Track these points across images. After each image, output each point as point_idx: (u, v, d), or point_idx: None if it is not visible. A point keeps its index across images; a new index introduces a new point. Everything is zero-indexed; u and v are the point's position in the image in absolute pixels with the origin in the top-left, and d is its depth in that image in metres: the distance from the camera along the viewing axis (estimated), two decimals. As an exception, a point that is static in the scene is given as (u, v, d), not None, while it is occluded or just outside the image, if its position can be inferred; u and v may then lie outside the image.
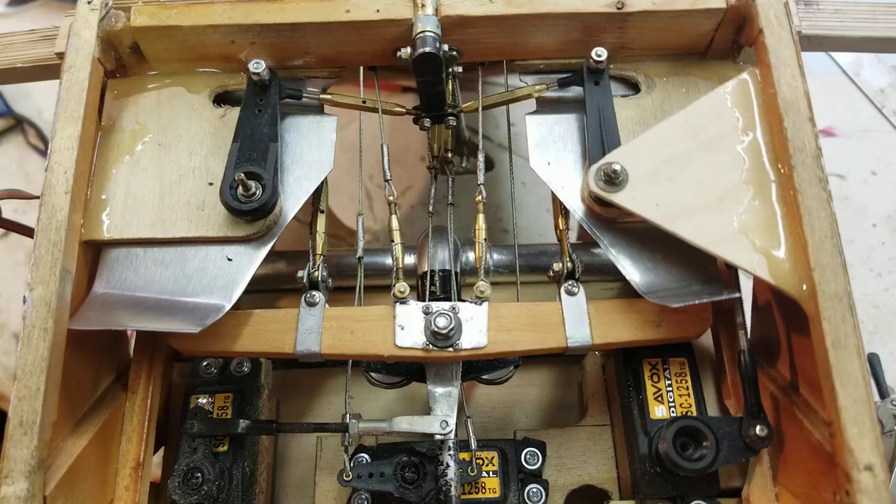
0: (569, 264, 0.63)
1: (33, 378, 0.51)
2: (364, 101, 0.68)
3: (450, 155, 0.75)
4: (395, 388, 0.68)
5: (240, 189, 0.58)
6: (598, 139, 0.61)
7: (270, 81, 0.63)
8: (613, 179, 0.57)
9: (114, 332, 0.66)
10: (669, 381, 0.65)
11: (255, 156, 0.61)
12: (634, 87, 0.66)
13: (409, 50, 0.60)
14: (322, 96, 0.66)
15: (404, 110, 0.69)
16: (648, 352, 0.66)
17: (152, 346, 0.66)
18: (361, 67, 0.68)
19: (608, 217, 0.60)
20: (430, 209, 0.73)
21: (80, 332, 0.56)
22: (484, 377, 0.67)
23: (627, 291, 0.83)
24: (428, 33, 0.59)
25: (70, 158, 0.57)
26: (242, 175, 0.57)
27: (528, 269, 0.90)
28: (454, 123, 0.69)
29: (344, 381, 0.82)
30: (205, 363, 0.69)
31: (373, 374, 0.66)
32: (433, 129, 0.75)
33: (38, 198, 0.74)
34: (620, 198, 0.57)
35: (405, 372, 0.66)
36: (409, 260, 0.90)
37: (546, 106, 0.66)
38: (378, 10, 0.61)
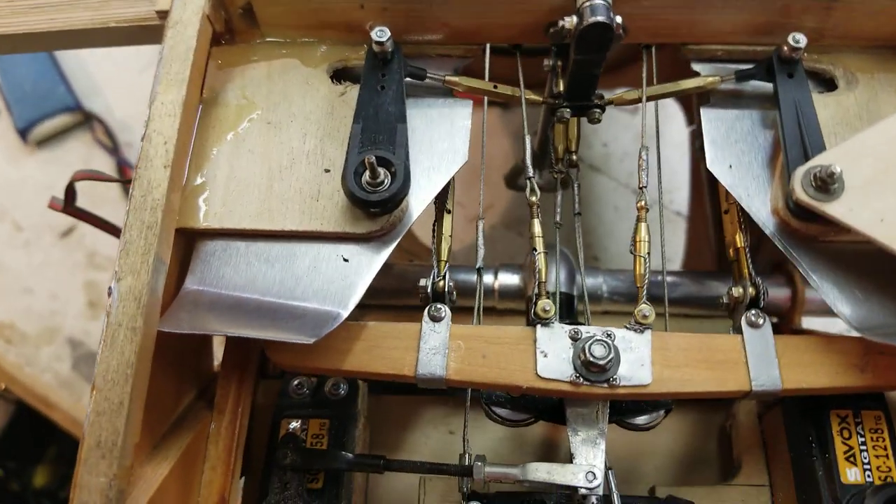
0: (751, 289, 0.51)
1: (116, 389, 0.42)
2: (496, 87, 0.58)
3: (574, 157, 0.65)
4: (518, 427, 0.57)
5: (366, 175, 0.48)
6: (798, 139, 0.50)
7: (393, 55, 0.54)
8: (828, 185, 0.46)
9: (199, 338, 0.57)
10: (863, 439, 0.53)
11: (381, 138, 0.51)
12: (828, 84, 0.56)
13: (573, 19, 0.50)
14: (449, 78, 0.57)
15: (541, 99, 0.60)
16: (836, 401, 0.54)
17: (244, 358, 0.57)
18: (488, 45, 0.59)
19: (809, 234, 0.49)
20: (558, 219, 0.63)
21: (166, 337, 0.47)
22: (628, 421, 0.56)
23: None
24: (598, 1, 0.49)
25: (172, 127, 0.48)
26: (373, 158, 0.47)
27: (633, 297, 0.81)
28: (599, 119, 0.59)
29: (444, 412, 0.71)
30: (296, 382, 0.59)
31: (495, 409, 0.56)
32: (560, 127, 0.65)
33: (120, 181, 0.66)
34: (835, 209, 0.46)
35: (536, 409, 0.55)
36: (513, 279, 0.81)
37: (723, 99, 0.56)
38: (538, -26, 0.51)
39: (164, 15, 0.54)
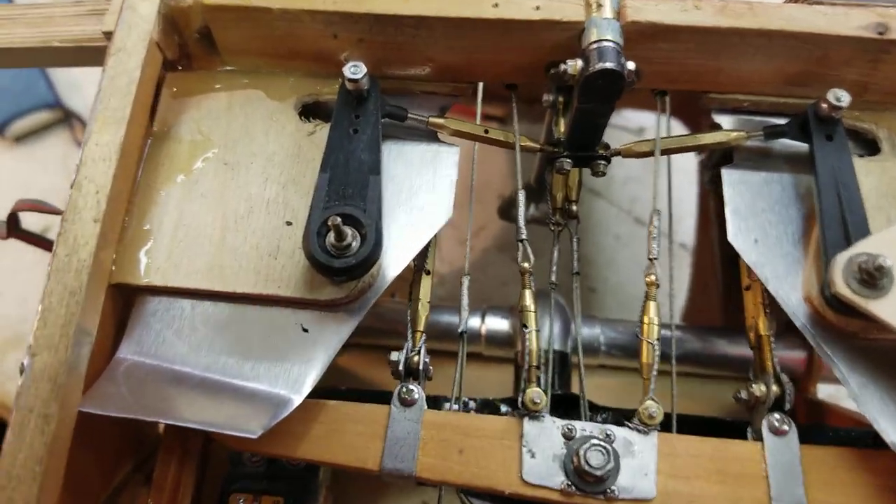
0: (775, 388, 0.44)
1: (22, 488, 0.36)
2: (487, 132, 0.51)
3: (574, 208, 0.58)
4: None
5: (331, 237, 0.41)
6: (837, 216, 0.43)
7: (369, 93, 0.47)
8: (875, 280, 0.39)
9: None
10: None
11: (350, 192, 0.44)
12: (869, 146, 0.49)
13: (577, 63, 0.43)
14: (433, 120, 0.49)
15: (539, 146, 0.52)
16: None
17: (187, 429, 0.50)
18: (480, 85, 0.52)
19: (847, 330, 0.42)
20: (553, 279, 0.56)
21: (94, 414, 0.40)
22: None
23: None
24: (607, 44, 0.42)
25: (106, 174, 0.41)
26: (338, 219, 0.40)
27: (632, 352, 0.75)
28: (604, 171, 0.52)
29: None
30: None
31: (473, 500, 0.49)
32: (559, 176, 0.58)
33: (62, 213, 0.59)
34: (883, 309, 0.39)
35: None
36: (502, 325, 0.75)
37: (748, 158, 0.48)
38: (538, 8, 0.44)
39: (110, 35, 0.46)
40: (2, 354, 1.17)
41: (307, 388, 0.42)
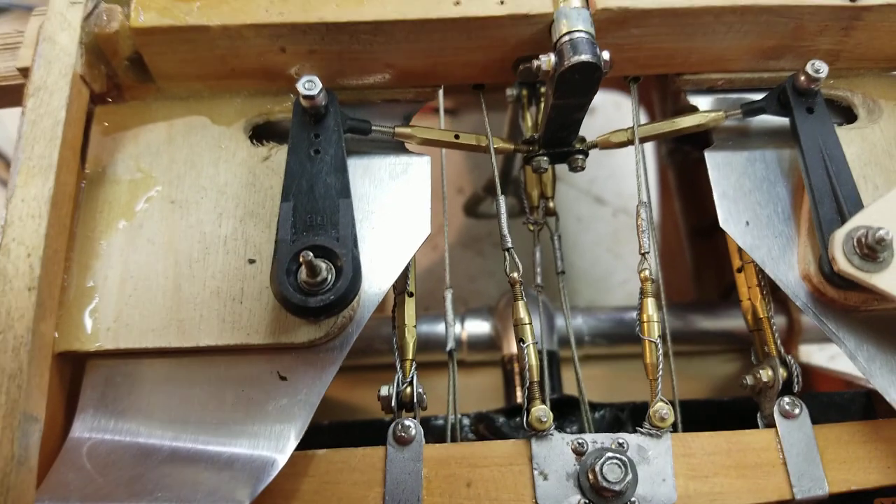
0: (782, 371, 0.43)
1: None
2: (457, 136, 0.48)
3: (552, 205, 0.55)
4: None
5: (302, 273, 0.37)
6: (828, 190, 0.41)
7: (327, 108, 0.43)
8: (876, 253, 0.37)
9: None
10: (914, 531, 0.45)
11: (319, 220, 0.40)
12: (845, 113, 0.47)
13: (550, 59, 0.40)
14: (399, 129, 0.46)
15: (512, 147, 0.49)
16: (879, 490, 0.46)
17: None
18: (442, 88, 0.49)
19: (848, 305, 0.40)
20: (538, 281, 0.54)
21: (52, 503, 0.35)
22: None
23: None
24: (580, 35, 0.39)
25: (36, 232, 0.36)
26: (310, 254, 0.36)
27: (617, 338, 0.74)
28: (583, 166, 0.49)
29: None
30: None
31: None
32: (533, 174, 0.55)
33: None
34: (887, 281, 0.37)
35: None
36: (483, 328, 0.73)
37: (728, 138, 0.46)
38: (502, 2, 0.41)
39: (27, 72, 0.41)
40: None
41: (292, 445, 0.38)
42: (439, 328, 0.69)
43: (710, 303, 0.79)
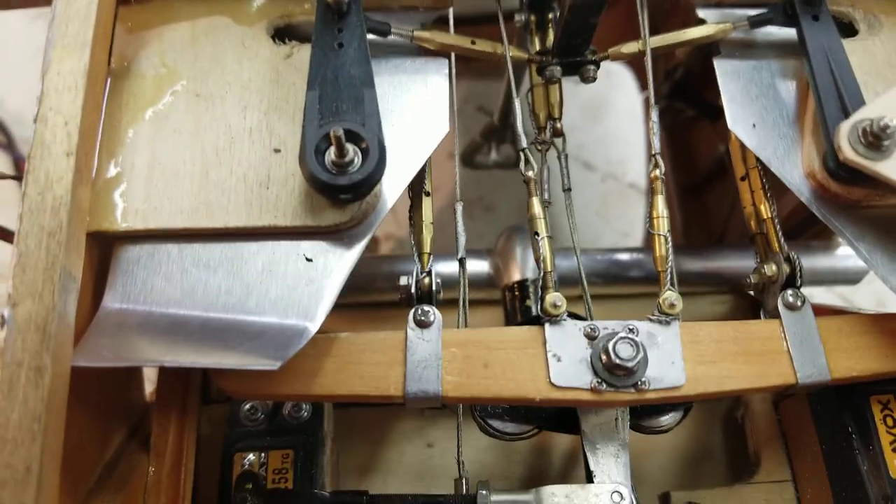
0: (785, 266, 0.45)
1: (21, 451, 0.32)
2: (474, 42, 0.49)
3: (559, 125, 0.57)
4: (518, 440, 0.49)
5: (330, 154, 0.39)
6: (833, 91, 0.43)
7: (350, 6, 0.44)
8: (880, 141, 0.39)
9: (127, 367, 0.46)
10: (910, 426, 0.47)
11: (344, 107, 0.41)
12: (847, 29, 0.49)
13: (568, -43, 0.41)
14: (418, 33, 0.47)
15: (527, 56, 0.51)
16: (874, 386, 0.48)
17: (183, 384, 0.46)
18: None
19: (850, 199, 0.42)
20: (546, 196, 0.55)
21: (84, 372, 0.36)
22: (644, 424, 0.48)
23: (745, 306, 0.67)
24: (598, -69, 0.41)
25: (74, 103, 0.37)
26: (340, 130, 0.37)
27: (612, 278, 0.75)
28: (594, 76, 0.51)
29: (418, 423, 0.62)
30: (248, 406, 0.49)
31: (490, 422, 0.47)
32: (539, 91, 0.57)
33: (12, 177, 0.54)
34: (888, 168, 0.39)
35: (540, 418, 0.47)
36: (482, 266, 0.74)
37: (735, 50, 0.48)
38: None
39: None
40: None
41: (321, 316, 0.39)
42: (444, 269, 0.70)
43: (698, 246, 0.81)
